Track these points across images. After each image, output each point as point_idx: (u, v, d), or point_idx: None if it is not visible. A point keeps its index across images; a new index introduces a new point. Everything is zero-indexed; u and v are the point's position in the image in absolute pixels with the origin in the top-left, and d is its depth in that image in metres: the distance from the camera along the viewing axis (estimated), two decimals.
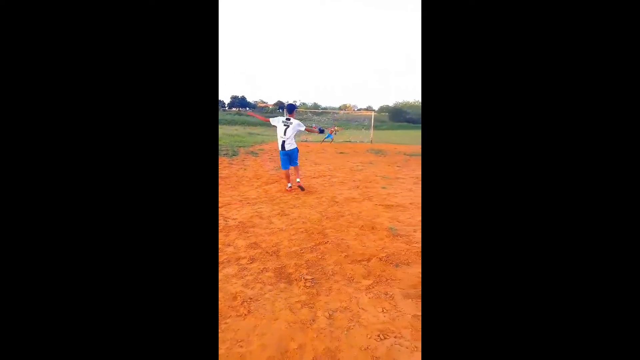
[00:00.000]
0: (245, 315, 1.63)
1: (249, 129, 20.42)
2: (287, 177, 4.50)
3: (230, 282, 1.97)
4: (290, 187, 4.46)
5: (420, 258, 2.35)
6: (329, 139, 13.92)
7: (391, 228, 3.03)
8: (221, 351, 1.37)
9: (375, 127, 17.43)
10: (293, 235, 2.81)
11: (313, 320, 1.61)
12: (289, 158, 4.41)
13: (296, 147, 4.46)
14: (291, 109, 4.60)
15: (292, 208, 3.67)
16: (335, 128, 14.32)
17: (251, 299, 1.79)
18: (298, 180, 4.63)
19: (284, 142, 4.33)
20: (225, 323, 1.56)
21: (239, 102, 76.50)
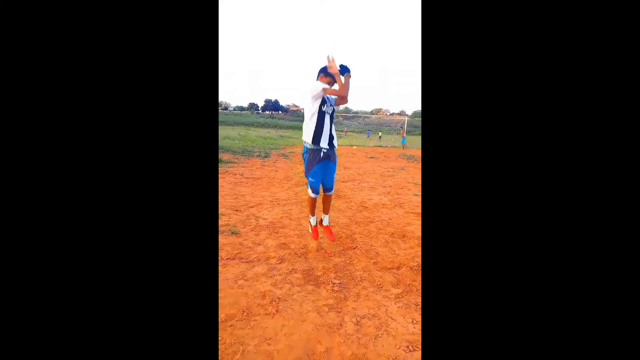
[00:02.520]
0: (273, 314, 1.66)
1: (280, 132, 20.91)
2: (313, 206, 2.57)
3: (260, 280, 2.02)
4: (315, 225, 2.62)
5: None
6: (404, 144, 14.63)
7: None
8: (250, 347, 1.41)
9: (408, 132, 17.03)
10: (321, 238, 2.82)
11: (340, 325, 1.60)
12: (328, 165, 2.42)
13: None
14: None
15: (321, 211, 3.69)
16: (380, 133, 15.56)
17: (280, 298, 1.82)
18: (326, 221, 2.66)
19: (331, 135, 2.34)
20: (255, 320, 1.60)
21: (272, 106, 78.80)
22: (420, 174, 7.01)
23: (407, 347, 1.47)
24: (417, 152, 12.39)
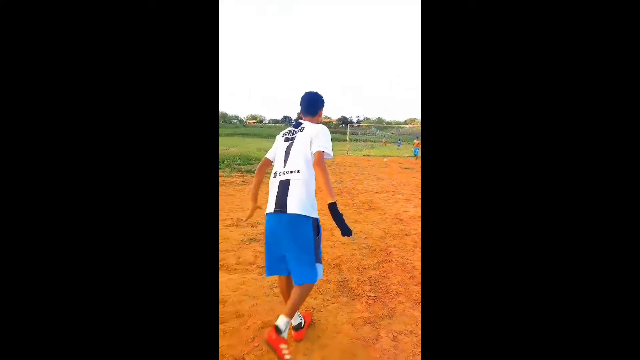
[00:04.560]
0: (308, 324, 1.67)
1: None
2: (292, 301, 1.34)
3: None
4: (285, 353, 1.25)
5: None
6: (417, 155, 14.16)
7: None
8: (286, 356, 1.42)
9: None
10: (355, 250, 2.79)
11: (376, 340, 1.56)
12: (291, 241, 1.33)
13: (315, 216, 1.37)
14: (312, 102, 1.57)
15: (353, 223, 3.66)
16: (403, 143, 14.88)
17: (314, 308, 1.83)
18: (298, 322, 1.56)
19: (283, 184, 1.38)
20: (290, 329, 1.62)
21: None
22: None
23: None
24: None
